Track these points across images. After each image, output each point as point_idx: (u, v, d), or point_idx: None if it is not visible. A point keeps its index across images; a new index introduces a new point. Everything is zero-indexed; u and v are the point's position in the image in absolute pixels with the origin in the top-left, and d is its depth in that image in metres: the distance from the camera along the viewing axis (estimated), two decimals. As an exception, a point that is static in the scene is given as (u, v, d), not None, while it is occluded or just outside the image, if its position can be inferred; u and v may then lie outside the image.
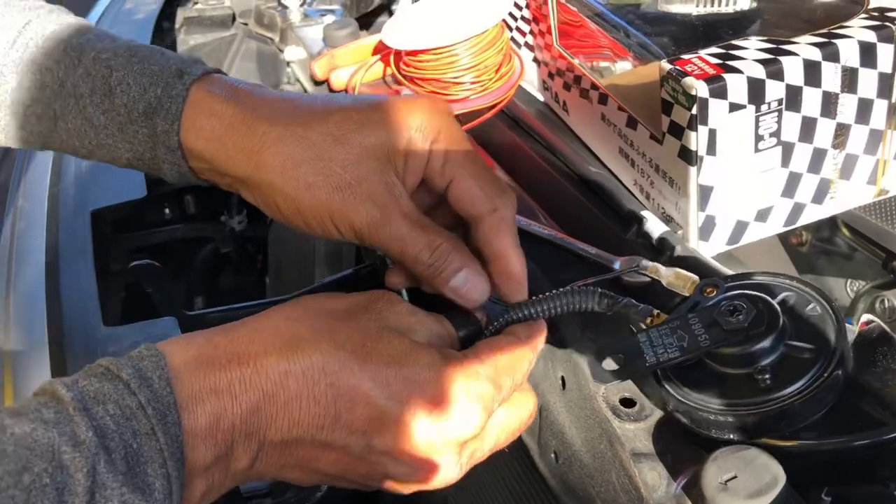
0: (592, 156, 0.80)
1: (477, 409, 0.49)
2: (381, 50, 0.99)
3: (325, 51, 1.07)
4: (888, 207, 0.71)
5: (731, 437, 0.48)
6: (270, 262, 1.25)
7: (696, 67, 0.60)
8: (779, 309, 0.49)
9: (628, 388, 0.55)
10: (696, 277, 0.54)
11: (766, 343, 0.48)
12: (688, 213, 0.66)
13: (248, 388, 0.46)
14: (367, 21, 1.30)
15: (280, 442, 0.47)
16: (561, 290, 0.54)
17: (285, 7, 1.22)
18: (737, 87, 0.59)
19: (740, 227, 0.66)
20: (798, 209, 0.67)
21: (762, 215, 0.66)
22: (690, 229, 0.66)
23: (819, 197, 0.67)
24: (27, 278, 0.72)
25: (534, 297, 0.54)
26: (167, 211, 1.33)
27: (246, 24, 1.33)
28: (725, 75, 0.59)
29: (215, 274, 1.38)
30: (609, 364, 0.50)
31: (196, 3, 1.34)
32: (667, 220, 0.69)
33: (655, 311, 0.52)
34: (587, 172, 0.76)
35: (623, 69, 0.75)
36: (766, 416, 0.47)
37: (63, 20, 0.63)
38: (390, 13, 1.30)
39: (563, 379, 0.59)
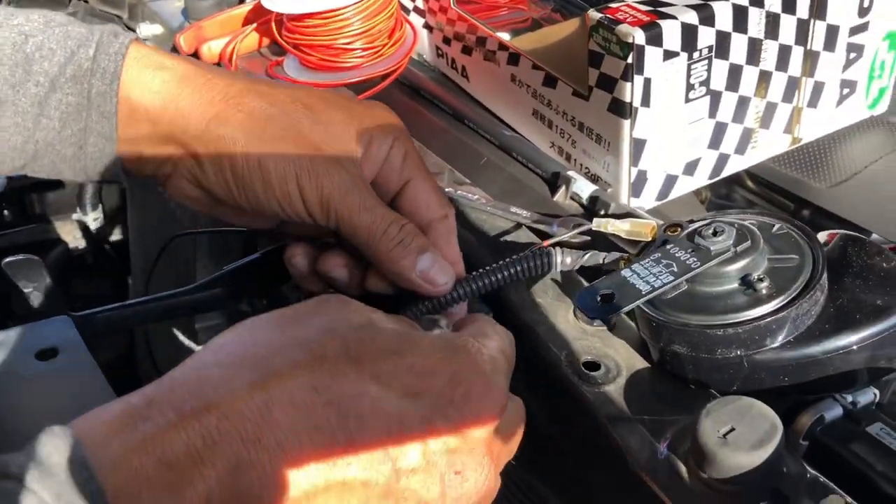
0: (500, 121, 0.77)
1: (500, 383, 0.44)
2: (254, 19, 0.91)
3: (187, 24, 0.98)
4: (797, 157, 0.72)
5: (738, 353, 0.46)
6: (134, 260, 1.13)
7: (628, 15, 0.58)
8: (755, 228, 0.48)
9: (591, 350, 0.52)
10: (654, 222, 0.52)
11: (756, 254, 0.47)
12: (619, 170, 0.63)
13: (219, 441, 0.34)
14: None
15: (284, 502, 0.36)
16: (522, 253, 0.51)
17: (133, -20, 1.12)
18: (671, 32, 0.57)
19: (669, 181, 0.65)
20: (723, 160, 0.66)
21: (690, 168, 0.65)
22: (622, 186, 0.64)
23: (742, 147, 0.66)
24: None
25: (499, 263, 0.50)
26: (5, 213, 1.19)
27: (86, 2, 1.20)
28: (660, 21, 0.57)
29: (67, 280, 1.25)
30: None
31: (27, -23, 1.20)
32: (593, 179, 0.66)
33: (625, 255, 0.50)
34: (501, 136, 0.73)
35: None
36: (775, 321, 0.46)
37: None
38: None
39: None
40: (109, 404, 0.35)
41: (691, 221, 0.54)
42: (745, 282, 0.47)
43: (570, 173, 0.65)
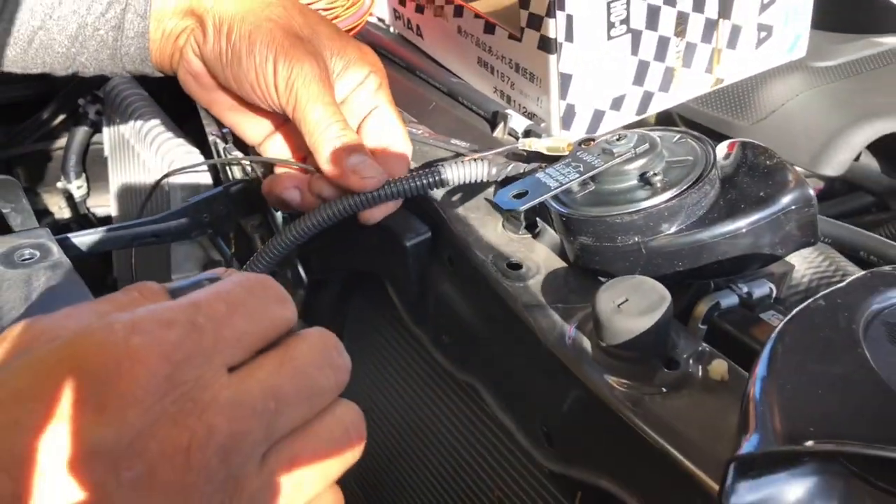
0: (450, 72, 0.83)
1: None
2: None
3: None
4: (721, 97, 0.77)
5: (636, 239, 0.52)
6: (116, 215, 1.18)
7: (550, -43, 0.64)
8: (654, 135, 0.54)
9: (514, 254, 0.58)
10: (571, 138, 0.58)
11: (654, 155, 0.53)
12: (549, 105, 0.69)
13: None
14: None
15: None
16: (450, 161, 0.56)
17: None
18: (589, -28, 0.63)
19: (598, 116, 0.71)
20: (648, 97, 0.72)
21: (616, 103, 0.71)
22: (553, 119, 0.70)
23: (665, 85, 0.72)
24: None
25: (428, 168, 0.56)
26: (-5, 185, 1.24)
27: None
28: (578, -39, 0.63)
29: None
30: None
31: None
32: (529, 116, 0.72)
33: (543, 165, 0.55)
34: (449, 83, 0.78)
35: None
36: (667, 209, 0.51)
37: None
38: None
39: (449, 259, 0.61)
40: None
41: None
42: (643, 178, 0.53)
43: (508, 111, 0.71)
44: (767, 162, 0.54)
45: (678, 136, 0.56)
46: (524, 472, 0.61)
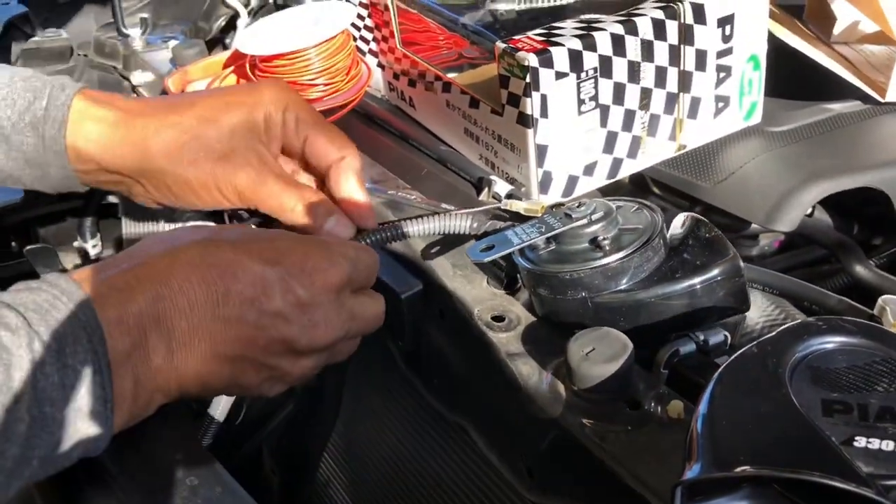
0: (440, 140, 0.91)
1: (341, 260, 0.59)
2: (233, 62, 1.05)
3: (174, 70, 1.12)
4: (687, 161, 0.85)
5: (583, 294, 0.59)
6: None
7: (525, 44, 0.72)
8: (612, 205, 0.62)
9: (497, 308, 0.65)
10: (543, 203, 0.65)
11: (606, 222, 0.61)
12: (528, 172, 0.77)
13: (142, 281, 0.52)
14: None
15: (187, 328, 0.53)
16: (434, 214, 0.64)
17: (126, 35, 1.26)
18: (560, 57, 0.71)
19: (572, 181, 0.78)
20: (617, 163, 0.80)
21: (589, 169, 0.78)
22: (532, 184, 0.77)
23: (633, 152, 0.80)
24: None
25: (412, 218, 0.64)
26: (13, 244, 1.31)
27: (86, 56, 1.35)
28: (550, 48, 0.71)
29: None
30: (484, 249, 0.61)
31: (32, 35, 1.34)
32: (511, 181, 0.80)
33: (515, 224, 0.63)
34: (439, 151, 0.86)
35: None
36: (610, 270, 0.59)
37: None
38: (223, 45, 1.37)
39: (440, 311, 0.68)
40: (80, 269, 0.54)
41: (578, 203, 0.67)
42: (594, 242, 0.60)
43: (492, 177, 0.79)
44: (707, 235, 0.61)
45: (635, 206, 0.64)
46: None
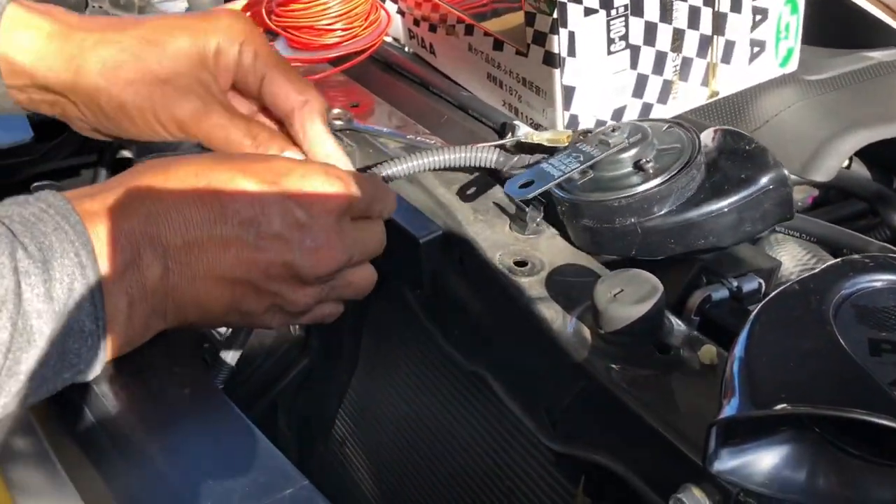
0: (461, 87, 0.88)
1: (339, 184, 0.55)
2: (249, 8, 1.02)
3: (190, 19, 1.09)
4: (719, 109, 0.82)
5: (632, 220, 0.57)
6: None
7: (553, -22, 0.69)
8: (645, 125, 0.59)
9: (520, 252, 0.62)
10: (569, 131, 0.63)
11: (645, 144, 0.58)
12: (554, 115, 0.74)
13: (135, 199, 0.50)
14: None
15: (182, 245, 0.51)
16: (463, 146, 0.61)
17: (142, -15, 1.23)
18: (589, -8, 0.68)
19: (599, 126, 0.75)
20: (647, 108, 0.77)
21: (617, 114, 0.75)
22: (558, 129, 0.74)
23: (664, 97, 0.77)
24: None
25: (437, 147, 0.61)
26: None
27: (100, 7, 1.32)
28: (579, -18, 0.68)
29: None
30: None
31: (47, -15, 1.32)
32: (535, 127, 0.77)
33: (545, 156, 0.60)
34: (460, 97, 0.83)
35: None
36: (658, 193, 0.57)
37: None
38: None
39: (460, 258, 0.66)
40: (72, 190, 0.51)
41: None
42: (637, 165, 0.57)
43: (515, 122, 0.76)
44: (747, 147, 0.59)
45: (667, 125, 0.61)
46: (531, 456, 0.65)
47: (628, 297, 0.52)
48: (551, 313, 0.57)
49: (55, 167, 1.24)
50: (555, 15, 0.68)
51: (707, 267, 0.61)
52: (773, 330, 0.43)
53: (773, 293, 0.45)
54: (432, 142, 0.75)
